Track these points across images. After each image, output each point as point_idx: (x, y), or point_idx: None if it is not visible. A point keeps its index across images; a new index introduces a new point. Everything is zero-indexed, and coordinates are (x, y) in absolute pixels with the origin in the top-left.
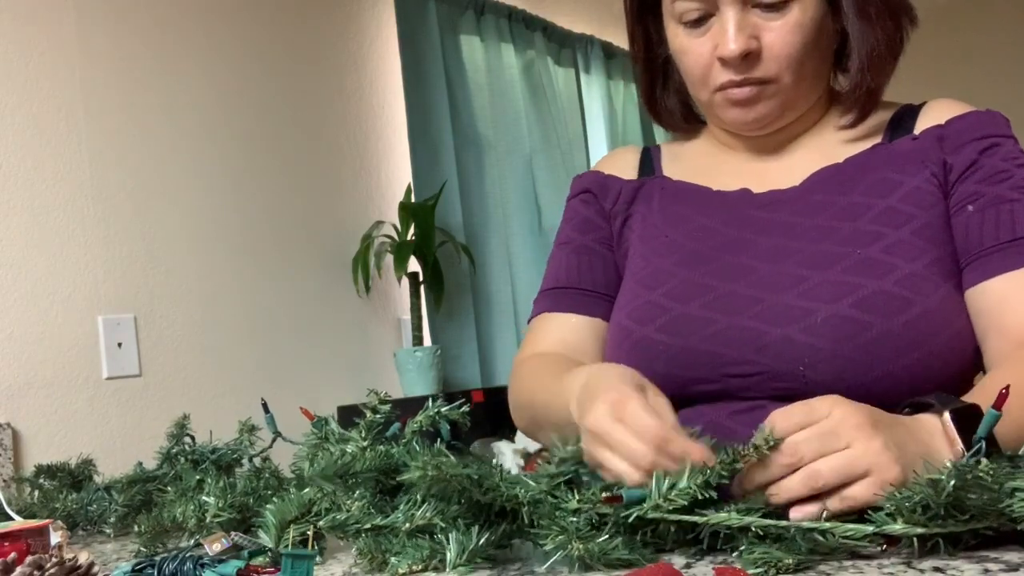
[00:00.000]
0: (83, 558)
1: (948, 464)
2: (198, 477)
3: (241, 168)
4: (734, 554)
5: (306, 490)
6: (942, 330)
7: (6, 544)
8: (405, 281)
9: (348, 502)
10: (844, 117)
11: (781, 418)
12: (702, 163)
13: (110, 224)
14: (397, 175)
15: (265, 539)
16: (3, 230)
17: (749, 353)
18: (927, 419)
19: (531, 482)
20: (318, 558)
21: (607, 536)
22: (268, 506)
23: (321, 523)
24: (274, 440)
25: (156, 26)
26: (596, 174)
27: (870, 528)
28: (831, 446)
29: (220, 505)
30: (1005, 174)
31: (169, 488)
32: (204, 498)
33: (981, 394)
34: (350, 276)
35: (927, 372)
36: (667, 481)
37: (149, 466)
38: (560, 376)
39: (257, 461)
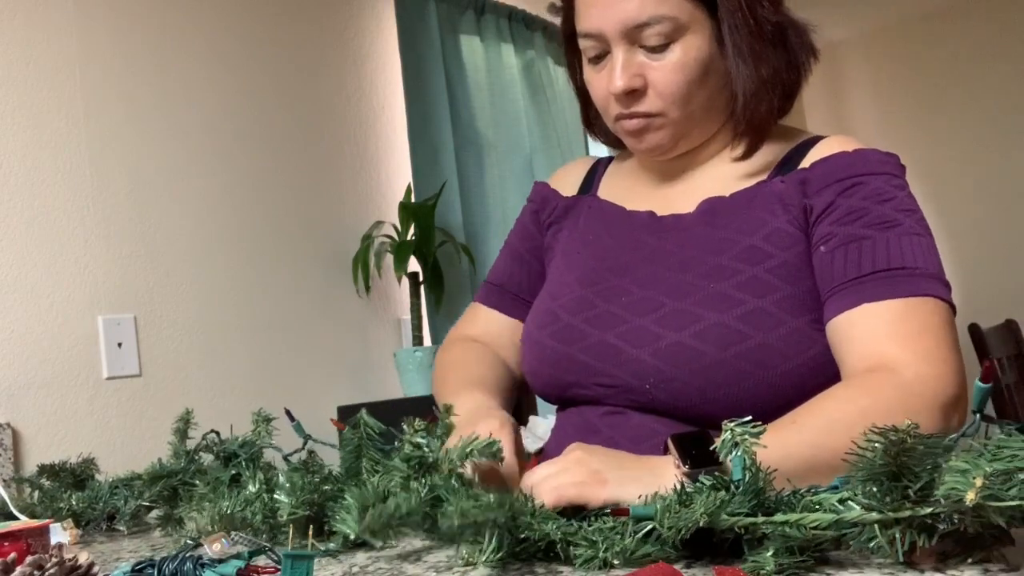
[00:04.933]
0: (83, 558)
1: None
2: (233, 472)
3: (241, 168)
4: (740, 560)
5: (376, 478)
6: (780, 363)
7: (6, 544)
8: (405, 281)
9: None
10: (735, 150)
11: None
12: (628, 183)
13: (110, 224)
14: (397, 175)
15: (350, 521)
16: (3, 230)
17: (611, 367)
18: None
19: (562, 519)
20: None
21: (631, 538)
22: (348, 492)
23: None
24: (305, 443)
25: (156, 26)
26: (545, 186)
27: (832, 516)
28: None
29: (293, 503)
30: (860, 211)
31: (198, 482)
32: (277, 496)
33: (795, 415)
34: (350, 276)
35: (757, 400)
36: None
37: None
38: (469, 380)
39: (299, 456)
